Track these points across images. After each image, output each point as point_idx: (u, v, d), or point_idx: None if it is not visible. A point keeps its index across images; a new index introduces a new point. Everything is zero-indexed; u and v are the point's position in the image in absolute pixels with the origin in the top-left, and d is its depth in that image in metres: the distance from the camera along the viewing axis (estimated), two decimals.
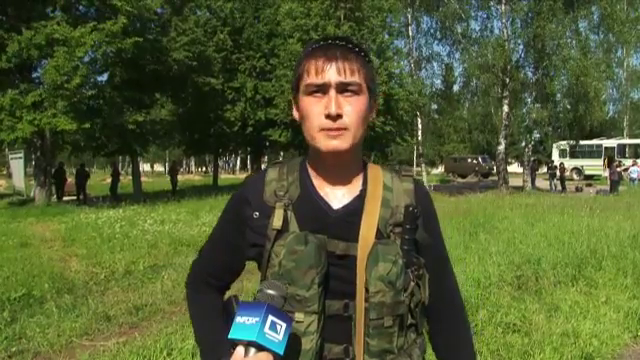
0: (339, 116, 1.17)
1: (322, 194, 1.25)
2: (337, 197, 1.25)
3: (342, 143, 1.18)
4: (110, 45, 17.63)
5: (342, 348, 1.18)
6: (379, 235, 1.21)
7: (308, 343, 1.15)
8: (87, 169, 25.42)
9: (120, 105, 19.17)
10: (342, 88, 1.18)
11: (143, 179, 29.37)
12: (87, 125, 17.26)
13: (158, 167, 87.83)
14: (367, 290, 1.16)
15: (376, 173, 1.29)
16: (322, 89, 1.18)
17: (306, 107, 1.20)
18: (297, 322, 1.15)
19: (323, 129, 1.18)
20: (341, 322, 1.18)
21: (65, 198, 21.95)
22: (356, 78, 1.19)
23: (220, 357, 1.19)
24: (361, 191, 1.26)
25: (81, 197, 22.82)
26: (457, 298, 1.39)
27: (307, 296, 1.15)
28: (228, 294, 1.40)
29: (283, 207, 1.23)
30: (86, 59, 18.12)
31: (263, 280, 1.22)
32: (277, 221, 1.21)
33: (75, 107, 17.12)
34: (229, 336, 0.98)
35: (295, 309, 1.16)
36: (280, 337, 0.97)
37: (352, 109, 1.18)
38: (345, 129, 1.18)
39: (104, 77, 21.11)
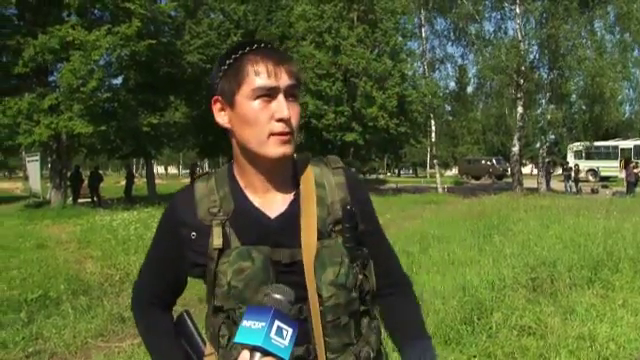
0: (289, 120, 1.16)
1: (257, 204, 1.23)
2: (272, 205, 1.23)
3: (290, 148, 1.18)
4: (124, 48, 17.79)
5: (304, 349, 1.18)
6: (320, 236, 1.20)
7: None
8: (100, 172, 25.63)
9: (135, 108, 19.32)
10: (289, 92, 1.17)
11: (157, 181, 29.55)
12: (103, 128, 17.43)
13: (172, 169, 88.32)
14: (320, 295, 1.17)
15: (306, 171, 1.27)
16: (272, 93, 1.15)
17: (253, 112, 1.16)
18: None
19: (274, 134, 1.15)
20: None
21: (80, 200, 22.15)
22: (297, 82, 1.19)
23: None
24: (295, 194, 1.24)
25: (95, 199, 23.01)
26: (399, 271, 1.40)
27: None
28: (177, 309, 1.39)
29: (220, 224, 1.20)
30: (101, 62, 18.31)
31: (210, 297, 1.22)
32: (217, 240, 1.19)
33: (91, 110, 17.28)
34: (235, 340, 0.98)
35: None
36: (286, 342, 0.96)
37: (295, 113, 1.18)
38: (292, 133, 1.17)
39: (119, 80, 21.34)
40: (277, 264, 1.18)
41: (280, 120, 1.15)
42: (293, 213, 1.22)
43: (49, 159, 20.85)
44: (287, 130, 1.16)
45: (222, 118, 1.23)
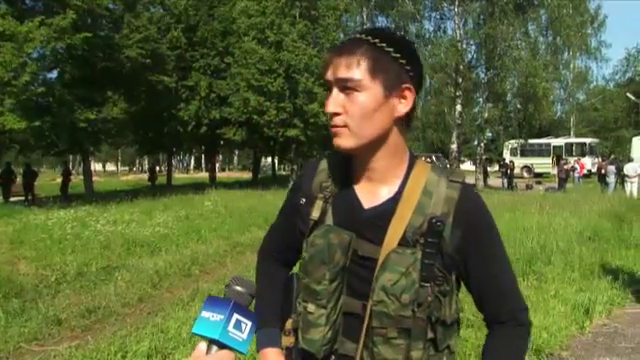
0: (336, 114, 1.17)
1: (357, 191, 1.24)
2: (371, 196, 1.22)
3: (342, 141, 1.18)
4: (59, 41, 17.12)
5: (355, 346, 1.18)
6: (404, 242, 1.15)
7: (316, 334, 1.18)
8: (34, 169, 24.66)
9: (71, 103, 18.62)
10: (341, 85, 1.16)
11: (95, 179, 28.67)
12: (37, 123, 16.73)
13: (110, 166, 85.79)
14: (371, 297, 1.15)
15: (420, 174, 1.21)
16: (329, 85, 1.18)
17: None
18: (308, 312, 1.20)
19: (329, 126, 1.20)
20: (358, 320, 1.18)
21: (12, 199, 21.22)
22: (353, 74, 1.14)
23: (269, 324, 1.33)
24: (397, 193, 1.20)
25: (29, 198, 22.11)
26: (505, 306, 1.23)
27: (317, 289, 1.18)
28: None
29: (323, 199, 1.25)
30: (34, 55, 17.56)
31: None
32: (315, 212, 1.25)
33: (24, 105, 16.54)
34: (192, 330, 0.97)
35: (308, 300, 1.21)
36: (244, 336, 0.96)
37: (352, 106, 1.15)
38: (343, 126, 1.16)
39: (54, 74, 20.53)
40: (354, 253, 1.19)
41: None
42: (386, 210, 1.19)
43: None
44: (333, 123, 1.18)
45: None
